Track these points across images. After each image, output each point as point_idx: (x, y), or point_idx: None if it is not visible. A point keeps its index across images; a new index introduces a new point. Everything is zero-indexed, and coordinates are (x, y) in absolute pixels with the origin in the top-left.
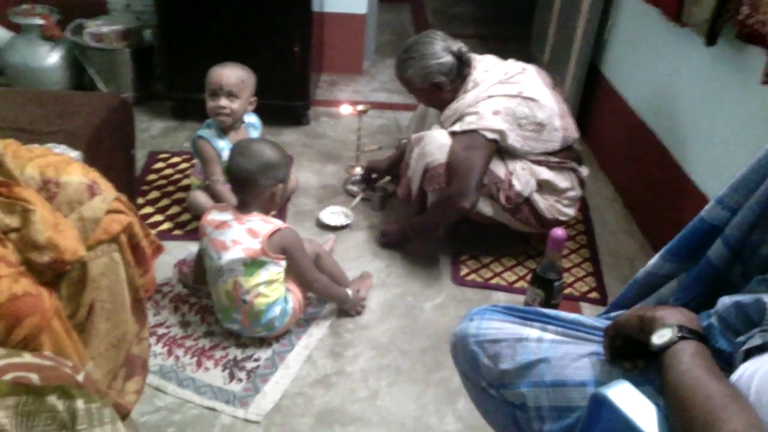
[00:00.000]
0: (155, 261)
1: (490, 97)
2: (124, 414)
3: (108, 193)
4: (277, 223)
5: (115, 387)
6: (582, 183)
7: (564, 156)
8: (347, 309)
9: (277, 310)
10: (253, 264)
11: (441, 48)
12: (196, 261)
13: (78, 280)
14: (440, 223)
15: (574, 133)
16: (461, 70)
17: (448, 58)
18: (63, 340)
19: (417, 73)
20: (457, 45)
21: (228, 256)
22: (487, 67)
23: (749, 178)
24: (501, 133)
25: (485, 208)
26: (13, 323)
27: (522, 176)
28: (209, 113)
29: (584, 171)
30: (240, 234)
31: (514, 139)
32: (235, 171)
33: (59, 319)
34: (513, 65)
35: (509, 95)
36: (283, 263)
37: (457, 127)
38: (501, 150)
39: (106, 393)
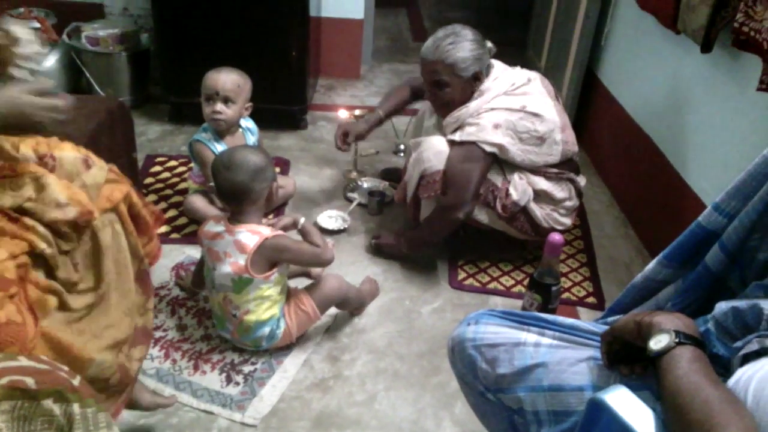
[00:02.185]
0: (157, 230)
1: (492, 109)
2: (129, 382)
3: (101, 164)
4: (264, 233)
5: (123, 351)
6: (579, 193)
7: (563, 168)
8: (358, 304)
9: (266, 331)
10: (240, 280)
11: (480, 39)
12: (197, 266)
13: (92, 251)
14: (434, 237)
15: (574, 146)
16: (488, 70)
17: (486, 53)
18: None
19: (467, 58)
20: (488, 43)
21: (219, 270)
22: (495, 76)
23: (746, 184)
24: (500, 146)
25: (481, 215)
26: None
27: (519, 185)
28: (205, 118)
29: (582, 181)
30: (230, 246)
31: (514, 153)
32: (227, 186)
33: (46, 341)
34: (520, 75)
35: (512, 109)
36: (274, 277)
37: (456, 137)
38: (499, 160)
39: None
